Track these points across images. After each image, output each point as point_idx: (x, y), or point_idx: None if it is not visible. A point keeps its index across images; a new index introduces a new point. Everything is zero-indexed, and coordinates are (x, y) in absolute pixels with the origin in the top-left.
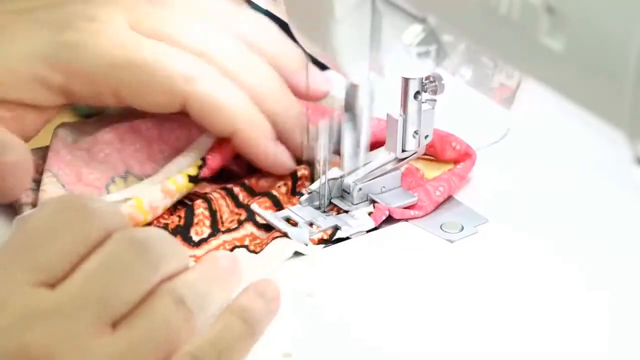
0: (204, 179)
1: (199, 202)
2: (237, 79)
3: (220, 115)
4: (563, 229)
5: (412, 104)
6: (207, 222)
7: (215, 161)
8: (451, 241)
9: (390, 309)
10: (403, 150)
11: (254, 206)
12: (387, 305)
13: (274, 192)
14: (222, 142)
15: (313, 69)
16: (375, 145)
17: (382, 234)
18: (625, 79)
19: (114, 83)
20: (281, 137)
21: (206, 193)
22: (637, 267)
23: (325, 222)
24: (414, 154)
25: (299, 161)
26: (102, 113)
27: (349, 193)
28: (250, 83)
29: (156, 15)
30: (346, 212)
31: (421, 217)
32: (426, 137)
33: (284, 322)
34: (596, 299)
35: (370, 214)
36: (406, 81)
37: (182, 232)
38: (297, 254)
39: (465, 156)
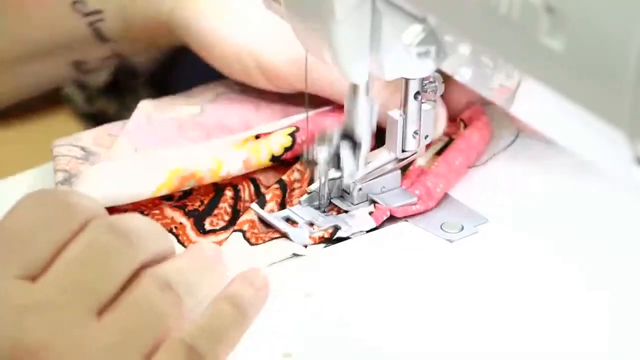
0: (284, 161)
1: (227, 195)
2: None
3: None
4: (563, 229)
5: (412, 104)
6: (226, 217)
7: (302, 146)
8: (451, 241)
9: (390, 308)
10: (403, 151)
11: (254, 206)
12: (387, 305)
13: (284, 178)
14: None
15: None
16: None
17: (382, 234)
18: (625, 79)
19: None
20: None
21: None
22: (637, 267)
23: (325, 222)
24: (414, 154)
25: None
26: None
27: (348, 193)
28: None
29: None
30: (346, 212)
31: (422, 212)
32: (426, 137)
33: (284, 322)
34: (596, 299)
35: (371, 213)
36: (406, 81)
37: (197, 218)
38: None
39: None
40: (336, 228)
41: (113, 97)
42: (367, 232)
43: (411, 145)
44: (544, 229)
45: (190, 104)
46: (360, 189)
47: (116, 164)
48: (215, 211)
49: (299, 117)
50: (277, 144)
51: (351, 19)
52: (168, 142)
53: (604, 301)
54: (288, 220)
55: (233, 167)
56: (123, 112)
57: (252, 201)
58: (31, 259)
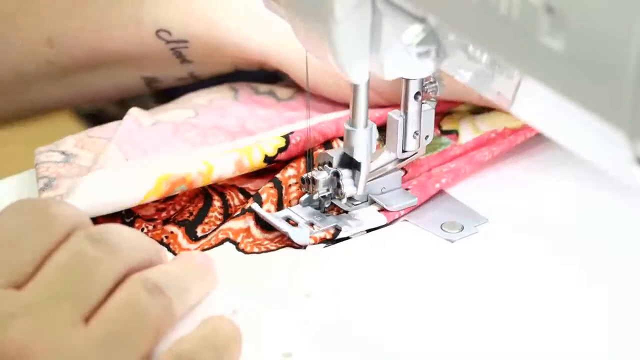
0: (279, 161)
1: (216, 205)
2: None
3: None
4: (563, 229)
5: (412, 104)
6: (217, 222)
7: (297, 146)
8: (451, 241)
9: (390, 308)
10: (403, 151)
11: (254, 205)
12: (387, 305)
13: (278, 176)
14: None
15: None
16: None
17: (382, 234)
18: (625, 79)
19: None
20: None
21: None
22: (637, 267)
23: (326, 222)
24: (415, 154)
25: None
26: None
27: None
28: None
29: None
30: (346, 212)
31: (413, 208)
32: (426, 137)
33: (284, 322)
34: (596, 299)
35: (379, 211)
36: (406, 81)
37: (188, 226)
38: (296, 253)
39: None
40: (337, 229)
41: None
42: (367, 232)
43: (411, 145)
44: (544, 229)
45: (183, 108)
46: None
47: (106, 172)
48: (206, 219)
49: (297, 125)
50: (270, 145)
51: (351, 19)
52: (163, 145)
53: (603, 301)
54: (288, 220)
55: (225, 169)
56: (123, 112)
57: (242, 206)
58: (15, 268)
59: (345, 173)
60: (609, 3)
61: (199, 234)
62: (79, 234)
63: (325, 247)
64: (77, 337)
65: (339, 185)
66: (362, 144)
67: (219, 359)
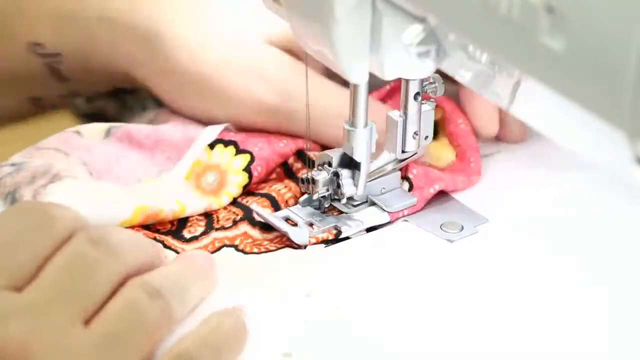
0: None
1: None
2: None
3: None
4: (563, 229)
5: (412, 104)
6: (202, 223)
7: (260, 176)
8: (451, 241)
9: (390, 308)
10: (403, 151)
11: (254, 206)
12: (387, 305)
13: (273, 194)
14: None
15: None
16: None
17: (382, 234)
18: (625, 79)
19: None
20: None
21: None
22: (637, 267)
23: (325, 222)
24: (414, 154)
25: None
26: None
27: None
28: None
29: None
30: (346, 213)
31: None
32: (426, 137)
33: (284, 322)
34: (596, 299)
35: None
36: (406, 82)
37: (174, 233)
38: (295, 254)
39: (470, 172)
40: (337, 229)
41: (113, 97)
42: (367, 232)
43: (411, 146)
44: (544, 229)
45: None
46: None
47: (81, 185)
48: (188, 223)
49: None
50: (234, 185)
51: (351, 18)
52: (122, 156)
53: (603, 301)
54: (287, 220)
55: (196, 210)
56: (123, 112)
57: (224, 209)
58: (16, 270)
59: (345, 173)
60: (609, 3)
61: (187, 235)
62: (79, 236)
63: (325, 247)
64: (77, 337)
65: (338, 186)
66: (362, 144)
67: (219, 357)
